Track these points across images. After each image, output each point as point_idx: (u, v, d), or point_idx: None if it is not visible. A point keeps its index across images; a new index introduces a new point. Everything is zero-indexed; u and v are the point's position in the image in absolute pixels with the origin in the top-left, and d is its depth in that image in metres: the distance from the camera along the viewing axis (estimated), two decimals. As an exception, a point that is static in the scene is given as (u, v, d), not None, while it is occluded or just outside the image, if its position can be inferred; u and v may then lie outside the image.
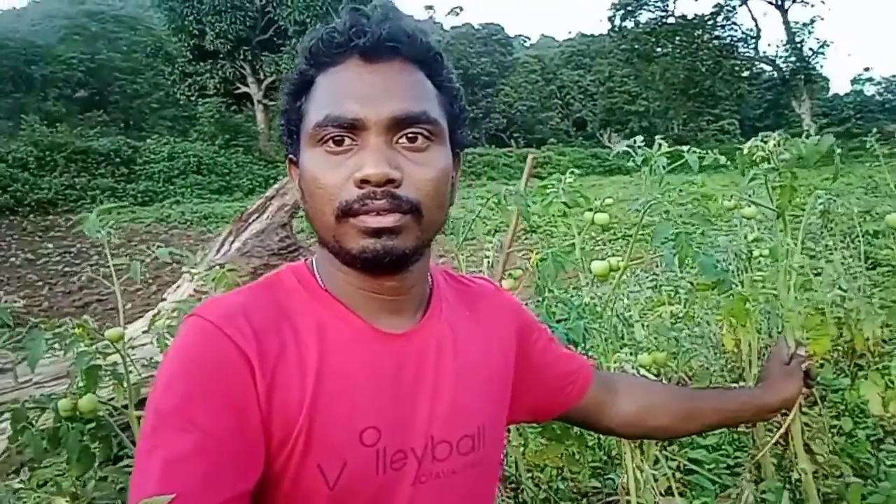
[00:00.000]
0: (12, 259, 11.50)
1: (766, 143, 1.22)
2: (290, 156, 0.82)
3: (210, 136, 22.56)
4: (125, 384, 1.51)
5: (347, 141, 0.73)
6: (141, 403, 1.42)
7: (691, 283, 1.69)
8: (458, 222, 1.48)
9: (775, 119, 37.92)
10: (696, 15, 33.18)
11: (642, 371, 1.19)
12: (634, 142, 1.48)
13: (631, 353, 1.48)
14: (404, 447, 0.76)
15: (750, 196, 1.30)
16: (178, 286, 3.15)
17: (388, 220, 0.71)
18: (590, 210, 1.75)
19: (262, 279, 0.82)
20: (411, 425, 0.77)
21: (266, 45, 24.86)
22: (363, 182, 0.71)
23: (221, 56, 24.67)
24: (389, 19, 0.74)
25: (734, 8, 32.15)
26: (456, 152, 0.82)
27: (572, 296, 1.80)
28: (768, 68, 34.49)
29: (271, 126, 24.18)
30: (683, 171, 1.64)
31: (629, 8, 33.65)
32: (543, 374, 0.98)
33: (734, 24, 32.81)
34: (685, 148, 1.48)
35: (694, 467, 1.80)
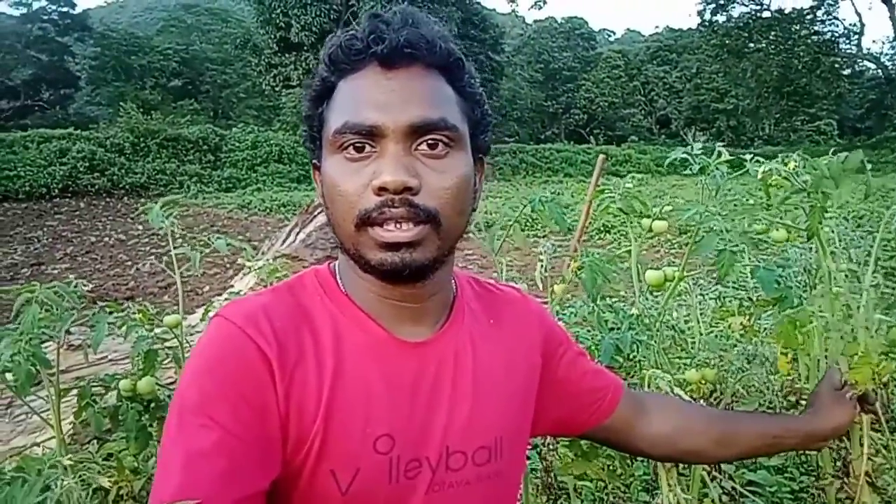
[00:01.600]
0: (105, 239, 12.20)
1: (786, 164, 1.14)
2: (314, 161, 0.82)
3: (292, 127, 23.22)
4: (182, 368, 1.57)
5: (367, 148, 0.73)
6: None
7: (751, 300, 1.61)
8: (493, 228, 1.46)
9: (877, 121, 35.64)
10: (793, 9, 31.62)
11: (677, 391, 1.13)
12: (692, 148, 1.41)
13: (679, 370, 1.42)
14: (419, 456, 0.76)
15: (781, 219, 1.22)
16: (246, 274, 3.26)
17: (406, 235, 0.71)
18: (647, 217, 1.70)
19: (286, 281, 0.84)
20: (426, 434, 0.77)
21: (349, 38, 25.28)
22: (381, 190, 0.71)
23: (306, 48, 25.31)
24: (408, 25, 0.74)
25: (836, 2, 30.39)
26: (479, 157, 0.81)
27: (624, 305, 1.75)
28: (872, 66, 32.47)
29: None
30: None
31: (721, 2, 32.35)
32: (570, 388, 0.96)
33: (835, 18, 31.07)
34: (748, 156, 1.41)
35: (748, 491, 1.72)
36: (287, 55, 25.98)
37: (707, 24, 33.62)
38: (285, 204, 16.17)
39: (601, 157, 2.37)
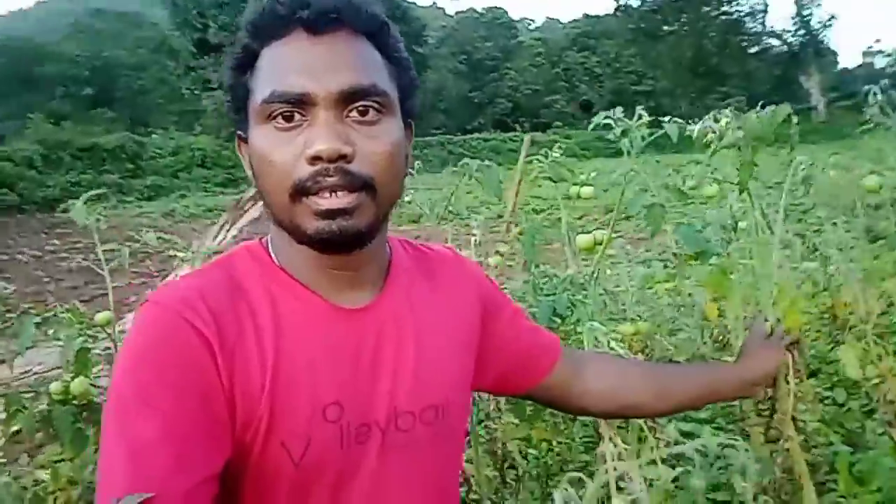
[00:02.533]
0: (19, 256, 11.59)
1: (717, 121, 1.20)
2: (239, 132, 0.80)
3: (215, 130, 22.60)
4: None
5: (297, 117, 0.71)
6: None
7: (675, 255, 1.68)
8: (435, 202, 1.48)
9: (784, 95, 37.51)
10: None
11: (616, 347, 1.16)
12: (614, 112, 1.46)
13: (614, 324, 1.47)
14: (367, 420, 0.76)
15: (712, 174, 1.28)
16: (176, 276, 3.14)
17: (343, 202, 0.70)
18: (575, 184, 1.75)
19: (215, 260, 0.82)
20: (374, 398, 0.76)
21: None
22: (315, 159, 0.69)
23: (225, 49, 24.69)
24: None
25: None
26: (408, 123, 0.80)
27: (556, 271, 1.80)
28: (776, 43, 34.10)
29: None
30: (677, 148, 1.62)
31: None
32: (509, 346, 0.97)
33: (740, -2, 32.46)
34: (666, 119, 1.47)
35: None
36: (206, 57, 25.28)
37: (623, 8, 34.59)
38: (211, 209, 15.73)
39: (527, 137, 2.42)
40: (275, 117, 0.71)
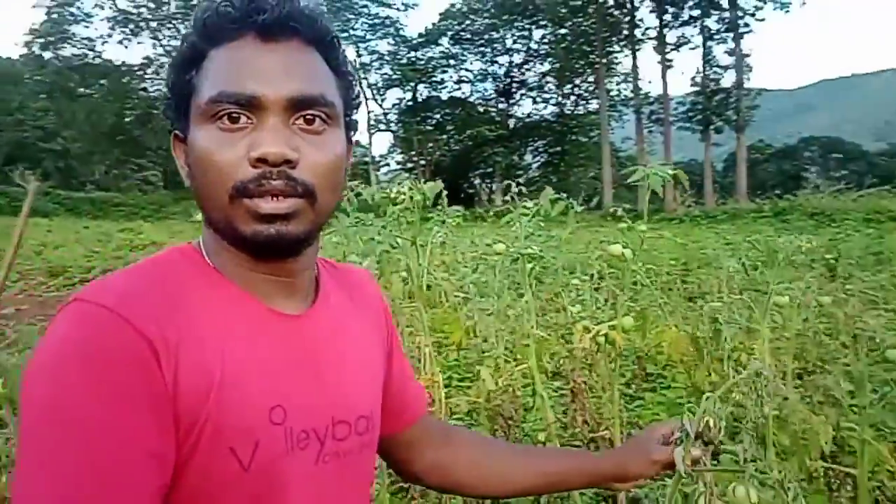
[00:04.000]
0: None
1: (400, 185, 1.59)
2: (176, 132, 0.76)
3: None
4: None
5: (243, 119, 0.71)
6: None
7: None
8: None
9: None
10: (124, 62, 32.77)
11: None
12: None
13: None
14: (307, 427, 0.75)
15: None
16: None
17: (283, 206, 0.70)
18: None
19: (143, 261, 0.74)
20: (313, 405, 0.76)
21: None
22: (259, 161, 0.69)
23: None
24: None
25: (164, 65, 33.12)
26: (349, 137, 0.81)
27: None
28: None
29: None
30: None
31: (50, 38, 30.90)
32: (393, 382, 0.96)
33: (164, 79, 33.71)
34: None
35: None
36: None
37: (34, 57, 31.52)
38: None
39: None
40: (220, 118, 0.71)
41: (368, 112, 37.98)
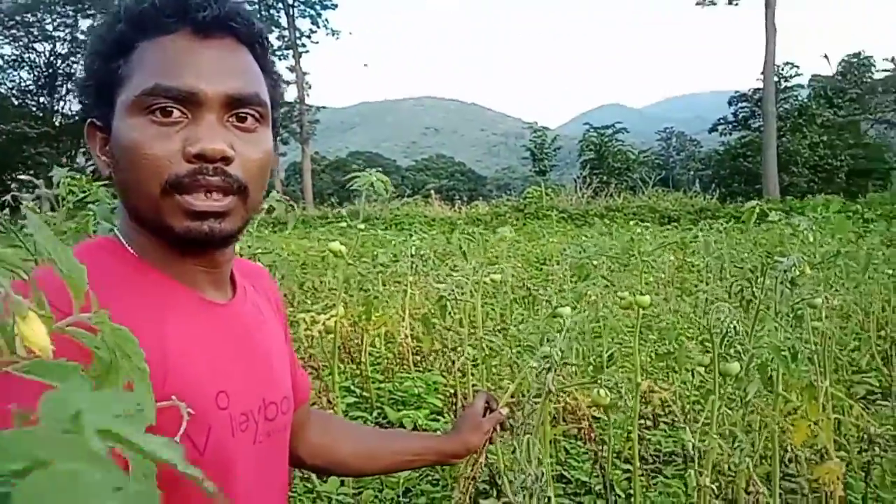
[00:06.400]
0: None
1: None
2: (93, 120, 0.73)
3: None
4: None
5: (177, 113, 0.70)
6: None
7: None
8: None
9: None
10: None
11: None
12: None
13: None
14: (245, 410, 0.77)
15: None
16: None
17: (217, 204, 0.71)
18: None
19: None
20: (248, 389, 0.78)
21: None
22: (197, 157, 0.70)
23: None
24: None
25: None
26: (275, 136, 0.83)
27: None
28: None
29: None
30: None
31: None
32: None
33: None
34: None
35: None
36: None
37: None
38: None
39: None
40: (153, 110, 0.70)
41: None
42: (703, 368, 1.84)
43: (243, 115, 0.74)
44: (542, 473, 1.12)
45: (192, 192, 0.70)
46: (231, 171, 0.72)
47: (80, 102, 0.76)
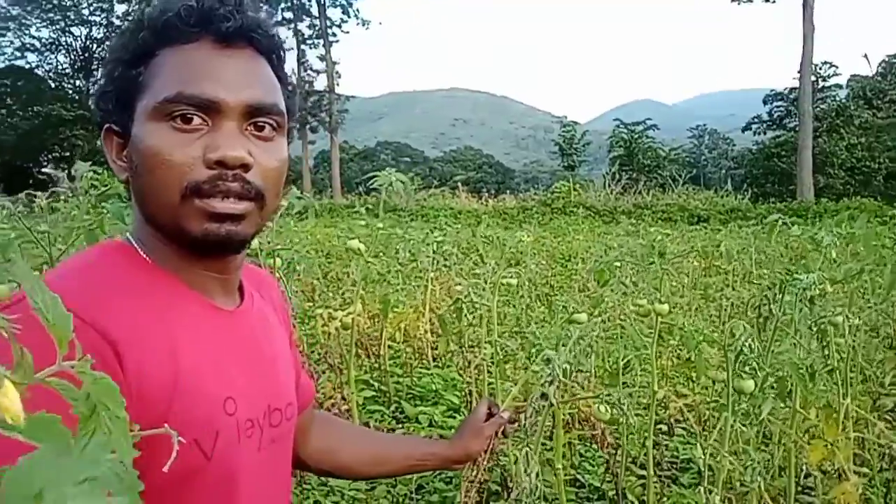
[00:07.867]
0: None
1: None
2: (111, 125, 0.74)
3: None
4: None
5: (197, 120, 0.72)
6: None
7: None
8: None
9: None
10: None
11: None
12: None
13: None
14: (251, 416, 0.78)
15: None
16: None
17: (236, 208, 0.73)
18: None
19: (76, 258, 0.70)
20: (254, 395, 0.79)
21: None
22: (217, 163, 0.71)
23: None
24: (243, 6, 0.75)
25: None
26: (289, 144, 0.84)
27: None
28: None
29: None
30: None
31: None
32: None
33: None
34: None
35: None
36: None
37: None
38: None
39: None
40: (174, 117, 0.72)
41: None
42: (719, 383, 1.81)
43: (261, 123, 0.76)
44: (537, 487, 1.12)
45: (211, 196, 0.72)
46: (249, 178, 0.73)
47: (99, 108, 0.77)
